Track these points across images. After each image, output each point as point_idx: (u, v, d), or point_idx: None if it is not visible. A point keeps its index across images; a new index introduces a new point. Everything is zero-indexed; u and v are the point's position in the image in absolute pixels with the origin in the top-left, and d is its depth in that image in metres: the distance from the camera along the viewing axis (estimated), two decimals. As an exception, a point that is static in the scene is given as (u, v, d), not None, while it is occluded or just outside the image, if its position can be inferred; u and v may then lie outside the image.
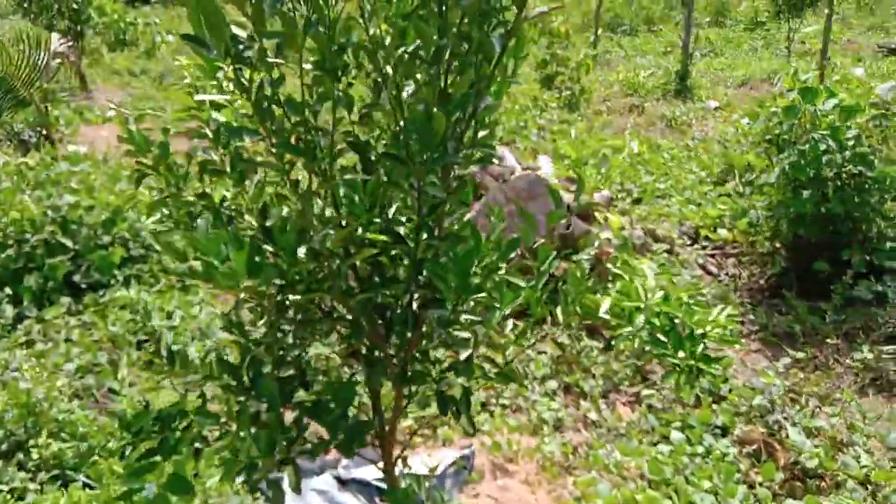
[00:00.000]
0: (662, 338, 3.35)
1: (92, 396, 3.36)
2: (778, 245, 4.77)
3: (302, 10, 1.54)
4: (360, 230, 1.71)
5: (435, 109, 1.54)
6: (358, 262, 1.77)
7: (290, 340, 2.06)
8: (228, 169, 1.81)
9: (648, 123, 8.56)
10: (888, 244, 4.50)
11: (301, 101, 1.47)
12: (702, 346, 3.35)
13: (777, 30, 15.15)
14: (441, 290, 1.78)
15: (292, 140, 1.57)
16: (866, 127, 4.04)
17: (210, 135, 1.79)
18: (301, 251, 1.71)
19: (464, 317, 1.87)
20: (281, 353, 2.03)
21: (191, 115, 1.83)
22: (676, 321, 3.36)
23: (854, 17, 15.93)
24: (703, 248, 5.00)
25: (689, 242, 5.04)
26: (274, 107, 1.51)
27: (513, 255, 1.93)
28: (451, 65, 1.62)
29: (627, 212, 5.36)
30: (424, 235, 1.75)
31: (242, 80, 1.48)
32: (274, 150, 1.54)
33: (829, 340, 3.93)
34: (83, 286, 4.24)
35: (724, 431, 3.21)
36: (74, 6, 9.73)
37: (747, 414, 3.30)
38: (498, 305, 2.02)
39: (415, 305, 1.90)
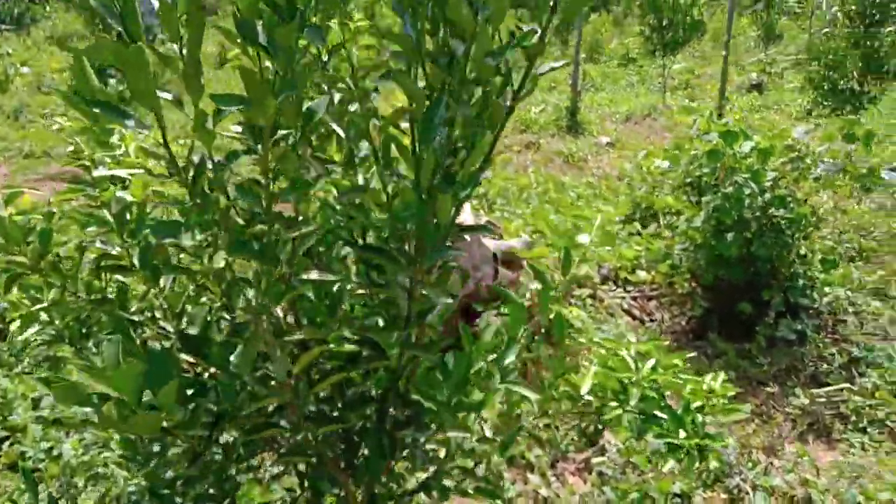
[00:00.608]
0: (661, 415, 3.02)
1: (-64, 525, 2.67)
2: (695, 285, 4.73)
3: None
4: (324, 341, 1.32)
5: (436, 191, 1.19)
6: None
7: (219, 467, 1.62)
8: (137, 265, 1.36)
9: (546, 160, 8.55)
10: (801, 282, 4.57)
11: (265, 184, 1.06)
12: (700, 419, 3.06)
13: (649, 65, 15.93)
14: (424, 407, 1.42)
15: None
16: (782, 169, 4.07)
17: (111, 220, 1.34)
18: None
19: (451, 433, 1.51)
20: (209, 491, 1.58)
21: (81, 194, 1.38)
22: (667, 394, 3.03)
23: (711, 54, 17.06)
24: (627, 291, 4.88)
25: (613, 287, 4.91)
26: (219, 194, 1.09)
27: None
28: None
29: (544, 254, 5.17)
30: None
31: (174, 157, 1.05)
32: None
33: (767, 388, 3.87)
34: (-78, 375, 3.48)
35: (685, 501, 3.00)
36: None
37: (702, 477, 3.11)
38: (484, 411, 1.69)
39: (387, 422, 1.51)
